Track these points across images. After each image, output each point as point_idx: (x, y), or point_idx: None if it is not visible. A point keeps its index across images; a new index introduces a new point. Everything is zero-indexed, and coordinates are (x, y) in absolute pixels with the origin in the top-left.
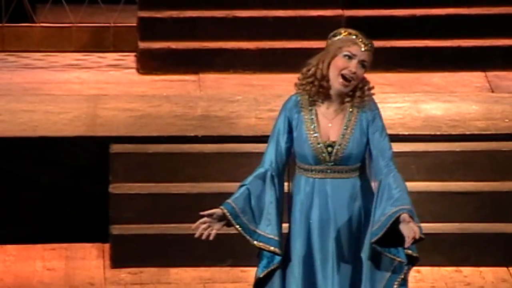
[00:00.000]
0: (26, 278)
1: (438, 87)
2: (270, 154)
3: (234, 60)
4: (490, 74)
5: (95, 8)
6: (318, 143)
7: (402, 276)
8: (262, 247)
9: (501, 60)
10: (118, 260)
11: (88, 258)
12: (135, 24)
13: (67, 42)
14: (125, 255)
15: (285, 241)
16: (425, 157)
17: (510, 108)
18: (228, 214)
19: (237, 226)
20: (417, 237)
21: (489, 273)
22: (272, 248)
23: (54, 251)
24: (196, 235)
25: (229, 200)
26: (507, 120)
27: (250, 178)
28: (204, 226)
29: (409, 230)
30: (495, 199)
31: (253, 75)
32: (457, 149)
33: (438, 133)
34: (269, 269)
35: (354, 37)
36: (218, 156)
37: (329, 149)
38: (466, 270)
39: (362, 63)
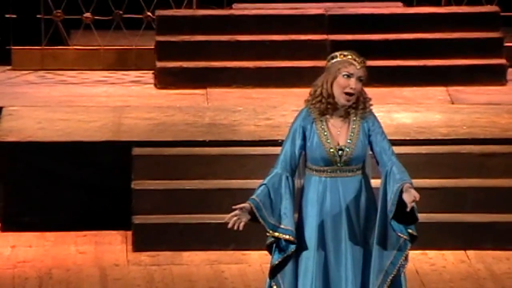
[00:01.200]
0: (62, 259)
1: (407, 100)
2: (285, 157)
3: (236, 77)
4: (451, 88)
5: (120, 33)
6: (331, 148)
7: (406, 253)
8: (279, 236)
9: (459, 77)
10: (139, 245)
11: (114, 243)
12: (153, 47)
13: (96, 62)
14: (144, 240)
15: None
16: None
17: (467, 117)
18: (254, 208)
19: (260, 219)
20: (417, 199)
21: (450, 255)
22: (287, 237)
23: (85, 237)
24: (229, 226)
25: (253, 196)
26: (465, 127)
27: (268, 178)
28: (235, 218)
29: (410, 196)
30: (456, 193)
31: (252, 89)
32: (424, 152)
33: (408, 138)
34: (285, 256)
35: (349, 57)
36: (222, 157)
37: (340, 152)
38: (431, 253)
39: (359, 79)
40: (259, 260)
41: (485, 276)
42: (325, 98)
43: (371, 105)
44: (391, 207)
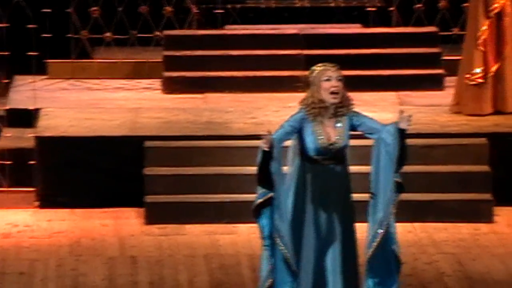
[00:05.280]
0: (88, 231)
1: (366, 102)
2: (283, 131)
3: (228, 84)
4: (400, 93)
5: (135, 49)
6: (324, 143)
7: (396, 199)
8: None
9: (407, 84)
10: (150, 219)
11: (130, 218)
12: (161, 60)
13: (115, 72)
14: (155, 216)
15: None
16: (357, 149)
17: (413, 116)
18: (274, 143)
19: (272, 155)
20: (411, 118)
21: (400, 227)
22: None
23: (107, 213)
24: (262, 143)
25: (273, 136)
26: (411, 124)
27: (275, 135)
28: (263, 143)
29: (403, 119)
30: (404, 177)
31: (241, 94)
32: None
33: None
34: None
35: (324, 67)
36: (218, 149)
37: (331, 146)
38: None
39: (337, 78)
40: (247, 232)
41: (427, 243)
42: (316, 103)
43: (353, 104)
44: (393, 150)
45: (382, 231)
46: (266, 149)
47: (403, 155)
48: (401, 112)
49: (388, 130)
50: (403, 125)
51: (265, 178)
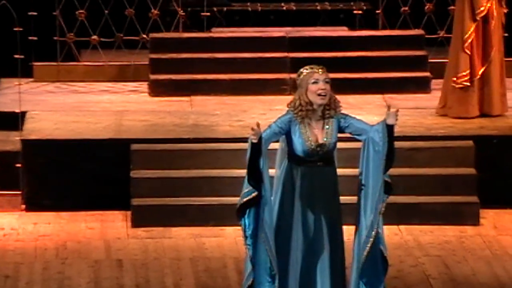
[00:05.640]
0: (74, 234)
1: (351, 105)
2: (270, 131)
3: (214, 87)
4: (386, 96)
5: (120, 52)
6: (312, 145)
7: (386, 199)
8: (253, 182)
9: (393, 87)
10: (136, 222)
11: (116, 221)
12: (147, 63)
13: (101, 75)
14: (141, 218)
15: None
16: (343, 152)
17: (399, 118)
18: (262, 140)
19: (261, 151)
20: (398, 112)
21: (386, 230)
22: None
23: (93, 216)
24: (251, 137)
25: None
26: (397, 127)
27: (263, 135)
28: (252, 135)
29: (391, 114)
30: (390, 180)
31: (227, 97)
32: None
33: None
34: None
35: (311, 69)
36: (203, 152)
37: (318, 148)
38: None
39: (325, 81)
40: (233, 234)
41: (413, 245)
42: (304, 106)
43: (341, 106)
44: (382, 148)
45: (373, 232)
46: (254, 141)
47: (392, 152)
48: (388, 107)
49: (376, 129)
50: (390, 121)
51: (254, 173)
